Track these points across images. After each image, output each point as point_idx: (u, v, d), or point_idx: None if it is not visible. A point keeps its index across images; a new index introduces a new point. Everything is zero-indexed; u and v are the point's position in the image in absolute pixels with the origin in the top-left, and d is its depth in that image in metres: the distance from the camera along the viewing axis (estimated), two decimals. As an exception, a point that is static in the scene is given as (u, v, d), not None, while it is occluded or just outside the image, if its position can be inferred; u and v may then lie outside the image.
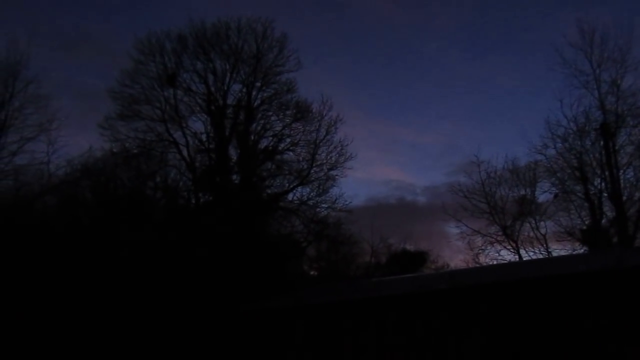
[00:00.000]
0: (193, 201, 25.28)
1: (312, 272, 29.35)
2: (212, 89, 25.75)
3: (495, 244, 24.42)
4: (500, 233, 24.19)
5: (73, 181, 20.73)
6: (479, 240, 24.76)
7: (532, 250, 23.71)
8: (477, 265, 23.62)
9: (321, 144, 25.92)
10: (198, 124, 25.79)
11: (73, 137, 19.66)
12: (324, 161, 25.97)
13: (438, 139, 53.36)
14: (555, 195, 23.23)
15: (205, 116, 25.75)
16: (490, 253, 24.68)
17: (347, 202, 25.65)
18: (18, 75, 19.14)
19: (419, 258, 30.55)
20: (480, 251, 24.67)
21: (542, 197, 24.09)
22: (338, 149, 25.88)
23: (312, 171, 25.91)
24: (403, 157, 53.33)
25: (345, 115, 26.58)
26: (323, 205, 25.89)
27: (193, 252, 21.35)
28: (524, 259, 23.48)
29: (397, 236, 31.76)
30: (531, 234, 23.88)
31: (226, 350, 17.93)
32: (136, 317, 18.21)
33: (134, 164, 23.61)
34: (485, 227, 24.53)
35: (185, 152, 25.11)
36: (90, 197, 21.92)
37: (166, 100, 25.21)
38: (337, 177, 25.84)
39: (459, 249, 41.93)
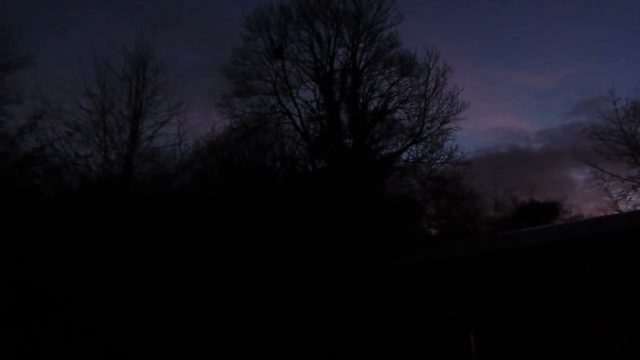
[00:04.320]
0: (310, 168, 26.03)
1: (432, 231, 29.03)
2: (318, 56, 26.12)
3: (638, 189, 22.15)
4: (645, 176, 21.85)
5: (201, 159, 22.25)
6: (616, 186, 22.63)
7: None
8: (619, 212, 21.68)
9: (431, 97, 25.34)
10: (308, 93, 26.38)
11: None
12: (436, 115, 25.38)
13: (549, 79, 48.93)
14: None
15: (314, 84, 26.25)
16: (632, 199, 22.44)
17: (463, 155, 24.99)
18: (147, 65, 20.74)
19: (551, 209, 28.71)
20: (620, 197, 22.53)
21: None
22: (449, 100, 25.12)
23: (424, 127, 25.46)
24: (510, 102, 49.34)
25: (448, 64, 25.42)
26: (438, 161, 25.44)
27: (315, 216, 22.11)
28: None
29: (516, 187, 30.06)
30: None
31: (353, 307, 18.43)
32: (268, 279, 19.31)
33: (252, 138, 24.77)
34: (625, 171, 22.27)
35: (298, 122, 25.97)
36: (218, 172, 23.44)
37: (276, 72, 26.05)
38: (450, 130, 25.16)
39: (587, 196, 38.78)
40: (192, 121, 21.32)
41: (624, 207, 22.41)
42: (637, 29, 47.03)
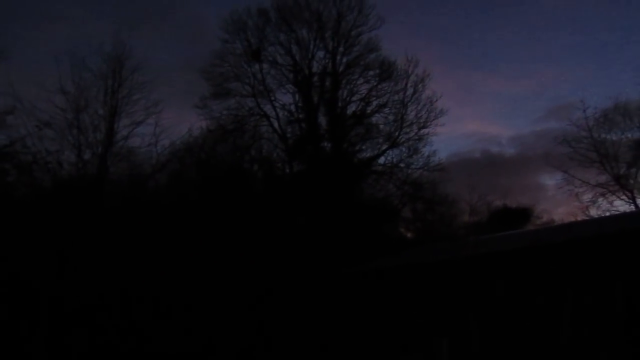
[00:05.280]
0: (287, 171, 26.02)
1: (408, 234, 29.24)
2: (297, 58, 26.15)
3: (607, 195, 22.73)
4: (612, 183, 22.44)
5: (178, 160, 22.00)
6: (586, 192, 23.17)
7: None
8: (589, 217, 22.21)
9: (409, 103, 25.63)
10: (286, 96, 26.43)
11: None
12: (414, 121, 25.67)
13: (523, 85, 49.73)
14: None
15: (293, 87, 26.29)
16: (602, 205, 23.00)
17: (440, 159, 25.37)
18: (124, 65, 20.38)
19: (522, 214, 29.26)
20: (590, 203, 23.05)
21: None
22: (427, 106, 25.46)
23: (402, 132, 25.73)
24: (484, 107, 49.95)
25: (427, 70, 25.76)
26: (414, 166, 25.75)
27: (292, 219, 22.07)
28: (641, 208, 21.70)
29: (489, 192, 30.43)
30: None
31: (332, 312, 18.45)
32: (244, 282, 19.19)
33: (230, 140, 24.64)
34: (595, 177, 22.84)
35: (276, 124, 25.97)
36: (194, 173, 23.22)
37: (254, 75, 26.04)
38: (427, 135, 25.51)
39: (558, 202, 39.58)
40: (168, 121, 20.87)
41: (594, 212, 22.96)
42: (609, 38, 48.44)
